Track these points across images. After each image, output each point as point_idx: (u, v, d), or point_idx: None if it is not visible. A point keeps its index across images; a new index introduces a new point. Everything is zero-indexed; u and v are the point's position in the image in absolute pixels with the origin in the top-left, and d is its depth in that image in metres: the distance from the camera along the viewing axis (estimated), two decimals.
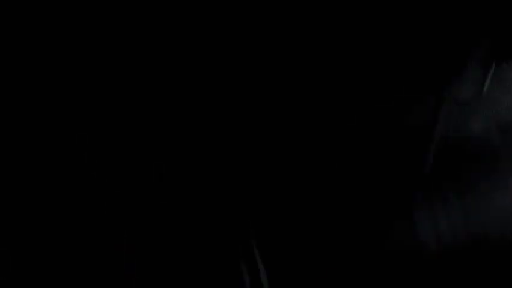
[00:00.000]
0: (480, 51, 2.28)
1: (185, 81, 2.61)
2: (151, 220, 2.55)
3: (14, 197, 2.50)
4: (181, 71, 2.61)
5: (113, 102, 2.57)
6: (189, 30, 2.60)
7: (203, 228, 2.57)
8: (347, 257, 2.56)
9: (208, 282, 2.53)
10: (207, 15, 2.60)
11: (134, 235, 2.54)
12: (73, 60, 2.57)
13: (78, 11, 2.57)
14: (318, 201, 2.60)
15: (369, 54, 2.62)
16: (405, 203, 2.60)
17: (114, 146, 2.55)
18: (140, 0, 2.58)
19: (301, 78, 2.63)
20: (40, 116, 2.53)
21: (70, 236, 2.51)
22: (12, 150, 2.51)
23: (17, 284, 2.45)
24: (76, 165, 2.53)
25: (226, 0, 2.57)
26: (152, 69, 2.59)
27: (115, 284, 2.50)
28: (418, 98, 2.59)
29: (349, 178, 2.60)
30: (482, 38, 2.24)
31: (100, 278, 2.50)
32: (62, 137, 2.53)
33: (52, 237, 2.50)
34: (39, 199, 2.51)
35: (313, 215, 2.59)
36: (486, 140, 2.64)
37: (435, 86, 2.39)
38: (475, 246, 2.57)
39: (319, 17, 2.60)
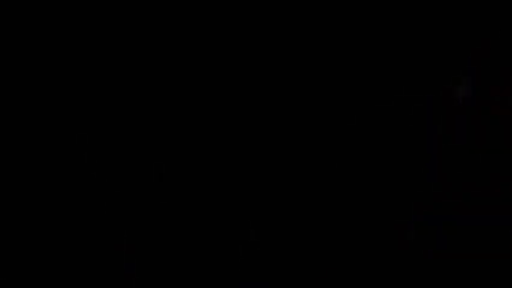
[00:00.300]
0: (478, 51, 2.28)
1: (185, 82, 2.61)
2: (151, 220, 2.55)
3: (14, 197, 2.49)
4: (181, 71, 2.61)
5: (113, 102, 2.57)
6: (189, 31, 2.60)
7: (203, 229, 2.57)
8: (345, 255, 2.56)
9: (208, 282, 2.53)
10: (206, 16, 2.60)
11: (134, 235, 2.54)
12: (72, 60, 2.57)
13: (78, 11, 2.57)
14: (318, 199, 2.60)
15: (368, 55, 2.62)
16: (404, 202, 2.60)
17: (114, 146, 2.55)
18: (140, 0, 2.58)
19: (300, 79, 2.63)
20: (40, 116, 2.53)
21: (69, 235, 2.51)
22: (12, 150, 2.50)
23: (17, 284, 2.45)
24: (76, 165, 2.53)
25: (226, 1, 2.57)
26: (152, 70, 2.59)
27: (115, 284, 2.49)
28: (417, 98, 2.59)
29: (349, 177, 2.60)
30: (480, 38, 2.24)
31: (100, 278, 2.49)
32: (62, 137, 2.53)
33: (52, 237, 2.50)
34: (39, 199, 2.51)
35: (313, 214, 2.59)
36: (485, 139, 2.64)
37: (434, 86, 2.39)
38: (472, 247, 2.57)
39: (318, 19, 2.60)
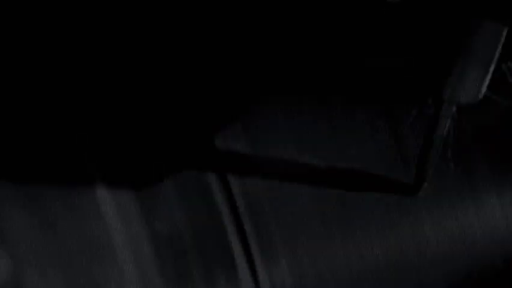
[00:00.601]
0: (480, 52, 2.26)
1: (185, 82, 2.61)
2: (150, 220, 2.56)
3: (13, 197, 2.50)
4: (181, 71, 2.61)
5: (113, 102, 2.57)
6: (188, 30, 2.60)
7: (203, 229, 2.58)
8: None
9: (207, 280, 2.54)
10: (204, 16, 2.60)
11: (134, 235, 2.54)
12: (72, 60, 2.57)
13: (78, 11, 2.57)
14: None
15: (367, 55, 2.61)
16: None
17: (114, 146, 2.56)
18: (140, 0, 2.58)
19: (297, 79, 2.62)
20: (40, 116, 2.53)
21: (69, 236, 2.51)
22: (12, 150, 2.51)
23: (16, 283, 2.46)
24: (76, 165, 2.53)
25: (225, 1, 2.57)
26: (152, 69, 2.59)
27: (115, 283, 2.50)
28: (418, 99, 2.58)
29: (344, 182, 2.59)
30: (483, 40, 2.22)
31: (100, 278, 2.50)
32: (62, 136, 2.54)
33: (51, 237, 2.50)
34: (38, 199, 2.51)
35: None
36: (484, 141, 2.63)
37: (434, 87, 2.38)
38: None
39: (314, 21, 2.60)
